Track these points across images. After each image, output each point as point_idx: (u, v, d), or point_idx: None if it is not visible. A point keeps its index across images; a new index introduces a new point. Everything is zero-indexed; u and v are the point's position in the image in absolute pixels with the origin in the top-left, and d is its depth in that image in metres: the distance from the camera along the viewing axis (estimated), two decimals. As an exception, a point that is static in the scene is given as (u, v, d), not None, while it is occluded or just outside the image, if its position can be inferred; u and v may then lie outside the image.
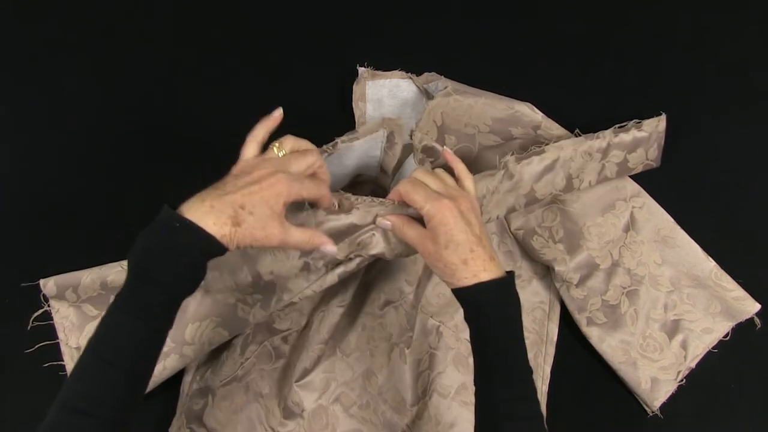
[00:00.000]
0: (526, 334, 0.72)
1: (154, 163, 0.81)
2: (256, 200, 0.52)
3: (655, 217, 0.76)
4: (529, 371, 0.55)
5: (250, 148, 0.58)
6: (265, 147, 0.59)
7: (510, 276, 0.56)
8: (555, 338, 0.74)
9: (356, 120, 0.79)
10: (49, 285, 0.72)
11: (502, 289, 0.56)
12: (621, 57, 0.83)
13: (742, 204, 0.78)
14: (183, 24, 0.86)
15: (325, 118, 0.82)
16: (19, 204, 0.79)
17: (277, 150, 0.58)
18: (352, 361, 0.73)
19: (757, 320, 0.73)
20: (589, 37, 0.84)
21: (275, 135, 0.62)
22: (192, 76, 0.84)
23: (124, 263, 0.69)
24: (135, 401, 0.50)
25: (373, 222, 0.62)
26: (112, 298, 0.51)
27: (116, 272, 0.69)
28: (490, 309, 0.55)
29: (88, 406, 0.46)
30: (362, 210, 0.62)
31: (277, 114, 0.60)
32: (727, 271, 0.74)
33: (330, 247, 0.59)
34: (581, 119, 0.78)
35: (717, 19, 0.84)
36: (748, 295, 0.73)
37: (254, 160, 0.56)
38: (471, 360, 0.72)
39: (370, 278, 0.76)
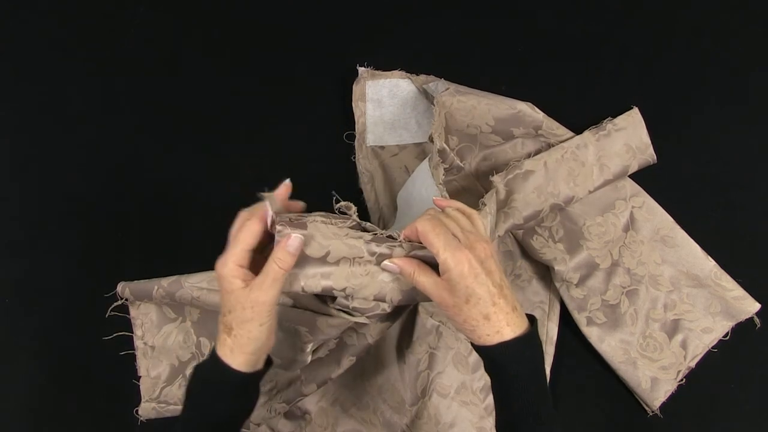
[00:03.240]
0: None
1: (154, 163, 0.81)
2: (225, 298, 0.52)
3: (655, 216, 0.76)
4: (557, 419, 0.52)
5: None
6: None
7: (534, 327, 0.53)
8: (555, 338, 0.74)
9: (356, 120, 0.79)
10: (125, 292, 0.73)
11: (527, 345, 0.52)
12: (621, 57, 0.83)
13: (742, 204, 0.78)
14: (183, 23, 0.86)
15: (325, 118, 0.82)
16: (18, 204, 0.79)
17: None
18: (352, 360, 0.73)
19: (756, 320, 0.73)
20: (589, 37, 0.84)
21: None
22: (192, 76, 0.84)
23: (186, 278, 0.70)
24: None
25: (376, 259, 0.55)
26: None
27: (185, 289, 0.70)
28: (517, 369, 0.51)
29: None
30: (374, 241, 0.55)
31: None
32: (727, 271, 0.74)
33: (293, 238, 0.52)
34: (581, 119, 0.78)
35: (717, 19, 0.84)
36: (747, 295, 0.73)
37: None
38: (471, 360, 0.72)
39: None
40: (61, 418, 0.74)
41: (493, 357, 0.52)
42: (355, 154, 0.79)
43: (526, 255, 0.76)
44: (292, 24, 0.85)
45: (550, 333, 0.74)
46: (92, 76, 0.84)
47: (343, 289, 0.55)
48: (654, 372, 0.71)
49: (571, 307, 0.73)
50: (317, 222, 0.54)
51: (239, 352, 0.51)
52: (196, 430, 0.53)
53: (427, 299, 0.56)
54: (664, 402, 0.71)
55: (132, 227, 0.79)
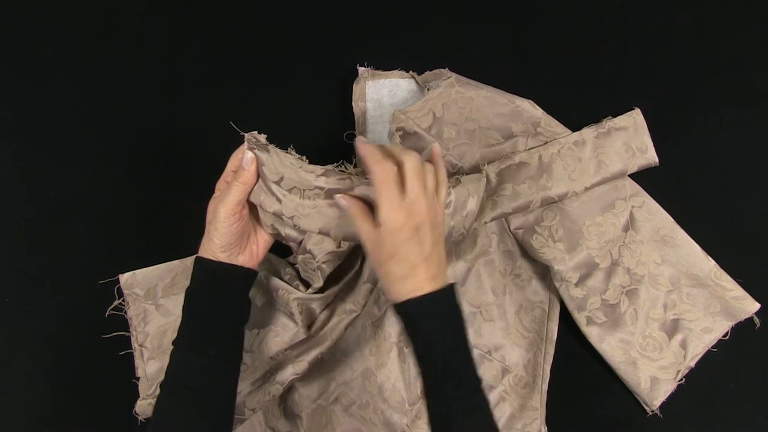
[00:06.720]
0: (525, 333, 0.73)
1: (154, 162, 0.81)
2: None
3: (655, 216, 0.76)
4: (478, 381, 0.54)
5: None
6: None
7: (449, 288, 0.55)
8: (555, 337, 0.74)
9: (356, 120, 0.79)
10: (128, 282, 0.74)
11: (438, 304, 0.55)
12: (621, 57, 0.83)
13: (742, 204, 0.78)
14: (183, 22, 0.86)
15: (325, 118, 0.82)
16: (18, 204, 0.79)
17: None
18: (352, 360, 0.73)
19: (756, 320, 0.73)
20: (589, 37, 0.84)
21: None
22: (192, 76, 0.84)
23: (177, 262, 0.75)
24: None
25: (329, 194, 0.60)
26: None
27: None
28: (429, 327, 0.54)
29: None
30: (332, 178, 0.60)
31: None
32: (727, 271, 0.74)
33: (239, 155, 0.62)
34: (581, 119, 0.78)
35: (717, 19, 0.84)
36: (747, 295, 0.73)
37: None
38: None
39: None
40: (61, 418, 0.74)
41: (405, 311, 0.55)
42: (355, 154, 0.79)
43: (525, 255, 0.76)
44: (292, 24, 0.85)
45: (550, 333, 0.74)
46: (92, 76, 0.84)
47: (291, 217, 0.60)
48: (654, 372, 0.71)
49: (570, 306, 0.73)
50: (278, 150, 0.60)
51: (203, 250, 0.61)
52: (193, 333, 0.59)
53: (340, 236, 0.61)
54: (663, 401, 0.71)
55: (133, 227, 0.79)
